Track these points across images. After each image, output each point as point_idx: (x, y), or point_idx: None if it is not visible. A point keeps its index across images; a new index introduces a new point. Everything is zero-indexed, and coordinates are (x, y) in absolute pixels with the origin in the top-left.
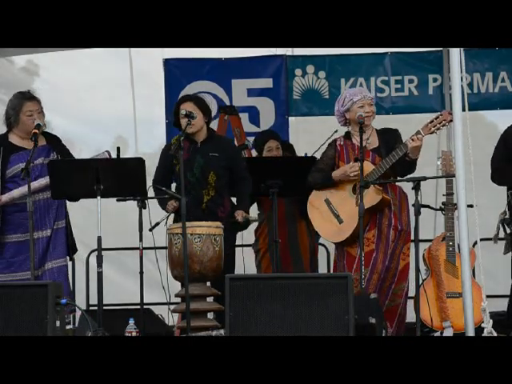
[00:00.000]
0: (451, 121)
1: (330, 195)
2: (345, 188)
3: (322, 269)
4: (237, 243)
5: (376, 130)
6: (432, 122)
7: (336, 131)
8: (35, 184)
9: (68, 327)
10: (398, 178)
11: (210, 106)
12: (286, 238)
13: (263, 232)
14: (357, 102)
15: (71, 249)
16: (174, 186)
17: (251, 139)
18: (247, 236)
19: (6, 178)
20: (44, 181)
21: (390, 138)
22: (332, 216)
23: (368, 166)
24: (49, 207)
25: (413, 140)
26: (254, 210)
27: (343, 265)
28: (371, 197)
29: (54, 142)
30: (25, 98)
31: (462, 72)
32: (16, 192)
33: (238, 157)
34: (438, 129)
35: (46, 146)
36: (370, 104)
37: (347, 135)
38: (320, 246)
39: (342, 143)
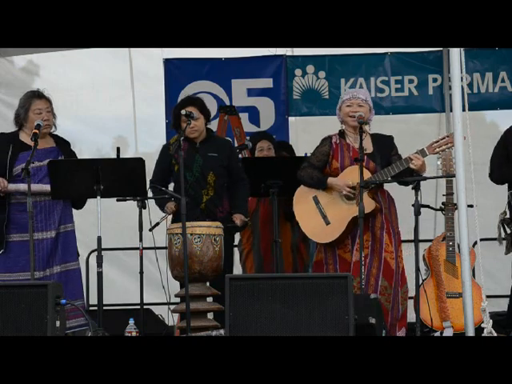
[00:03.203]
0: None
1: (318, 193)
2: (336, 190)
3: None
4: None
5: (370, 134)
6: (437, 142)
7: None
8: (43, 186)
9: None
10: (398, 179)
11: (209, 108)
12: (269, 239)
13: (246, 232)
14: (345, 101)
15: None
16: (171, 186)
17: None
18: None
19: (14, 174)
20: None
21: (384, 145)
22: (319, 215)
23: (365, 173)
24: (53, 208)
25: (415, 162)
26: None
27: (335, 270)
28: (366, 204)
29: (63, 145)
30: (34, 97)
31: (462, 72)
32: (22, 186)
33: (235, 158)
34: (443, 150)
35: (55, 148)
36: (359, 105)
37: (341, 134)
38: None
39: (337, 141)
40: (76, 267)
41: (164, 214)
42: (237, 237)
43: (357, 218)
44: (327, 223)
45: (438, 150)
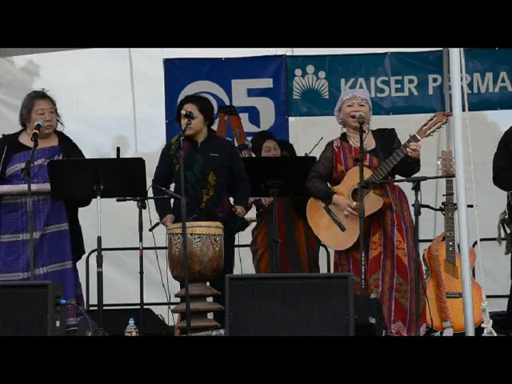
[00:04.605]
0: (446, 122)
1: None
2: (344, 195)
3: (322, 269)
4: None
5: (372, 130)
6: (426, 124)
7: (321, 139)
8: (24, 187)
9: (72, 329)
10: (398, 178)
11: (213, 109)
12: (283, 238)
13: (262, 232)
14: (346, 101)
15: (76, 253)
16: (172, 186)
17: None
18: (244, 236)
19: (6, 176)
20: (43, 186)
21: (386, 138)
22: (333, 223)
23: (366, 172)
24: (40, 210)
25: (413, 150)
26: (252, 210)
27: (349, 270)
28: (373, 203)
29: (64, 143)
30: (37, 97)
31: (462, 72)
32: (5, 188)
33: (236, 158)
34: (434, 131)
35: (55, 147)
36: (359, 104)
37: (343, 137)
38: (320, 246)
39: (338, 145)
40: (66, 267)
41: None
42: (248, 236)
43: (370, 216)
44: (343, 229)
45: (428, 132)
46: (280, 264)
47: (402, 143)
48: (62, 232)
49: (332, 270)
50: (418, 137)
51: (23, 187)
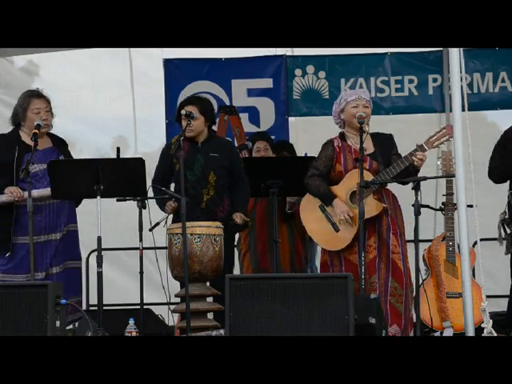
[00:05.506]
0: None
1: None
2: (341, 196)
3: None
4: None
5: (369, 134)
6: (434, 135)
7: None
8: (43, 192)
9: (68, 327)
10: (398, 179)
11: (214, 110)
12: (265, 239)
13: (244, 232)
14: (350, 102)
15: None
16: (172, 185)
17: None
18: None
19: (21, 178)
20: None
21: (384, 143)
22: (327, 223)
23: (365, 175)
24: (61, 211)
25: (419, 159)
26: None
27: (341, 271)
28: (371, 208)
29: (60, 144)
30: (33, 96)
31: (461, 72)
32: (36, 192)
33: (236, 158)
34: (442, 143)
35: (53, 148)
36: (364, 106)
37: (342, 137)
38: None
39: (339, 144)
40: (77, 266)
41: (164, 215)
42: (236, 236)
43: (366, 220)
44: (336, 230)
45: (436, 143)
46: (261, 264)
47: (408, 152)
48: (74, 231)
49: (319, 270)
50: (426, 147)
51: (43, 191)
